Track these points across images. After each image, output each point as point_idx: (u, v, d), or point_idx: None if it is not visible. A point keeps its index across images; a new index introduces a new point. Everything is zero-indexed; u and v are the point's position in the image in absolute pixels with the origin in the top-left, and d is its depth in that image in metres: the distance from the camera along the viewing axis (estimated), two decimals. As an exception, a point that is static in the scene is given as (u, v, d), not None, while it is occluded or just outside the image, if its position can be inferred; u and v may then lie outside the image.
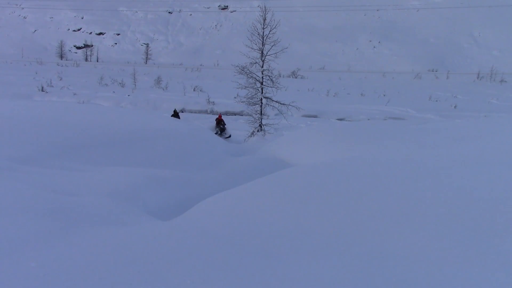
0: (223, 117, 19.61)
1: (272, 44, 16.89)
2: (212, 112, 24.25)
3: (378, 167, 4.54)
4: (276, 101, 16.93)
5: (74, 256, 2.80)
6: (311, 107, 23.58)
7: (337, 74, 54.68)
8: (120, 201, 4.74)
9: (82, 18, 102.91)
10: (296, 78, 48.74)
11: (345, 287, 2.44)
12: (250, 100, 17.19)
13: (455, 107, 26.18)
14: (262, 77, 17.09)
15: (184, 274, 2.56)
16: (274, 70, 18.20)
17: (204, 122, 19.44)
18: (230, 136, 17.52)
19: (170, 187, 6.10)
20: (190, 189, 6.34)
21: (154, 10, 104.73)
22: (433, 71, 63.92)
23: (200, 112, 24.41)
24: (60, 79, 36.32)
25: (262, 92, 17.17)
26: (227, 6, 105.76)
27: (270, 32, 16.96)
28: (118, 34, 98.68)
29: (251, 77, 17.05)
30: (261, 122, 17.32)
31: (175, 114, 19.19)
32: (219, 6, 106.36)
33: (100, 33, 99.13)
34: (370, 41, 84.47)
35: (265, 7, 17.10)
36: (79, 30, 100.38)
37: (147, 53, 79.77)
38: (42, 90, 28.22)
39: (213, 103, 25.29)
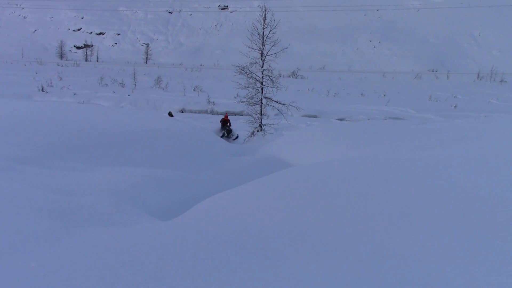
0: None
1: (272, 44, 16.90)
2: (212, 112, 24.25)
3: (378, 167, 4.53)
4: (276, 101, 16.93)
5: (74, 256, 2.80)
6: (311, 107, 23.60)
7: (337, 74, 54.64)
8: (120, 201, 4.74)
9: (82, 18, 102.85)
10: (296, 78, 48.73)
11: (345, 287, 2.43)
12: (250, 100, 17.19)
13: (455, 107, 26.19)
14: (262, 77, 17.09)
15: (184, 274, 2.56)
16: (274, 70, 18.20)
17: (204, 122, 19.43)
18: (237, 137, 16.91)
19: (170, 187, 6.10)
20: (190, 189, 6.33)
21: (154, 10, 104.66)
22: (433, 71, 63.88)
23: (200, 112, 24.43)
24: (60, 79, 36.33)
25: (262, 92, 17.17)
26: (227, 6, 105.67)
27: (270, 32, 16.97)
28: (118, 34, 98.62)
29: (251, 77, 17.06)
30: (261, 122, 17.32)
31: (170, 116, 19.12)
32: (219, 6, 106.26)
33: (100, 33, 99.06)
34: (370, 41, 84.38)
35: (265, 7, 17.10)
36: (79, 30, 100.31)
37: (147, 53, 79.66)
38: (42, 90, 28.24)
39: (213, 103, 25.30)
